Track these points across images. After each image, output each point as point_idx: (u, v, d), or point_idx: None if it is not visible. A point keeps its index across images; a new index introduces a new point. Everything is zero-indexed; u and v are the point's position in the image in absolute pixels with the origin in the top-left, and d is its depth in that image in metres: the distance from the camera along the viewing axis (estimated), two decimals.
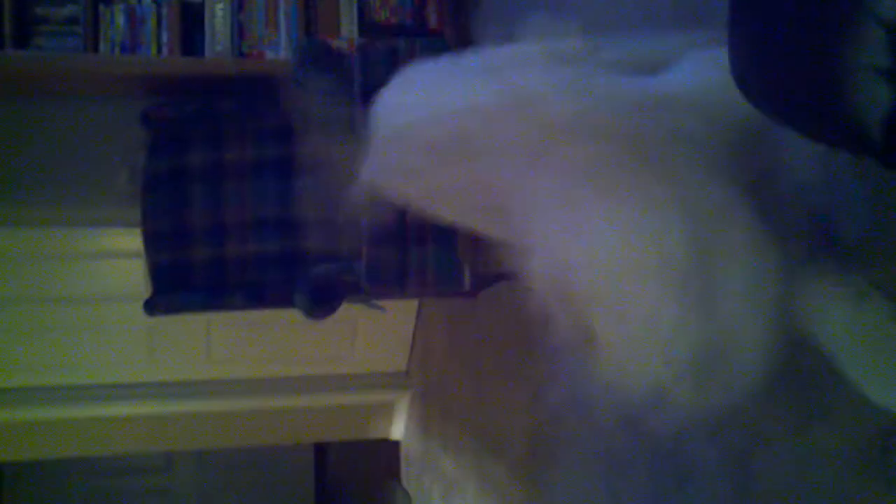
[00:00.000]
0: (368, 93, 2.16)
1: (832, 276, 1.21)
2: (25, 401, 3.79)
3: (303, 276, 2.65)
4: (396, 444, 4.20)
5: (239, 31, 3.07)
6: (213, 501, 6.80)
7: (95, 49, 3.02)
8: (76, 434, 4.04)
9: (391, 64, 2.52)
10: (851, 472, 1.29)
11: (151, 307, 2.81)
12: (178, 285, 2.83)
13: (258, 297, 2.78)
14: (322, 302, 2.64)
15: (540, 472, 2.57)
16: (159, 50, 3.04)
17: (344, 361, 3.72)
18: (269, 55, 3.08)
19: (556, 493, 2.46)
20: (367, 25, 3.12)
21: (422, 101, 1.53)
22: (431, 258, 2.50)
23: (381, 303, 2.91)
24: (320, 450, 5.53)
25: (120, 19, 3.02)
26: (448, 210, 1.68)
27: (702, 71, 1.28)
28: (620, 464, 2.07)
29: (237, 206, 2.80)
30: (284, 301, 2.74)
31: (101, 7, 3.01)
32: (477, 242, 2.70)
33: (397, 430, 4.10)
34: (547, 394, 2.50)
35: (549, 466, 2.49)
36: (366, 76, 2.58)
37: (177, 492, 6.97)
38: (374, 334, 3.72)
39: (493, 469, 2.91)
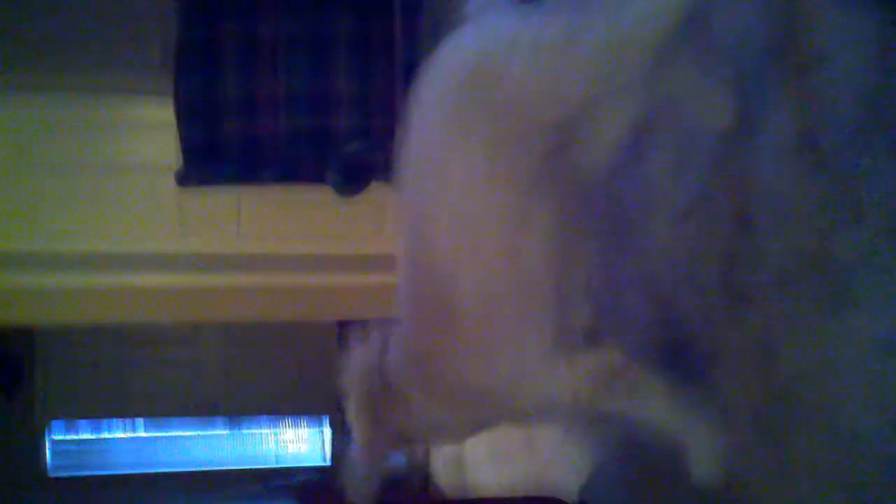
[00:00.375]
0: None
1: None
2: (55, 266, 3.85)
3: (335, 154, 2.65)
4: None
5: None
6: (238, 374, 6.98)
7: None
8: (105, 301, 4.11)
9: None
10: (881, 358, 1.30)
11: (183, 178, 2.83)
12: (209, 158, 2.84)
13: (289, 172, 2.78)
14: (353, 180, 2.64)
15: None
16: None
17: (372, 241, 3.73)
18: None
19: None
20: None
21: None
22: None
23: None
24: (344, 327, 5.61)
25: None
26: None
27: None
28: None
29: (270, 80, 2.77)
30: (315, 178, 2.74)
31: None
32: None
33: None
34: None
35: None
36: None
37: (203, 363, 7.15)
38: None
39: None
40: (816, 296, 1.45)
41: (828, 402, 1.42)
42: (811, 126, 1.47)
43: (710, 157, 1.79)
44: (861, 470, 1.34)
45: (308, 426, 7.74)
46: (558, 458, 2.59)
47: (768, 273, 1.58)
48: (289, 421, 7.52)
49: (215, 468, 7.42)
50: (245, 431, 7.55)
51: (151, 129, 3.40)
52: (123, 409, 7.09)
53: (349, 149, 2.61)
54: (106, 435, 7.25)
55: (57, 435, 7.11)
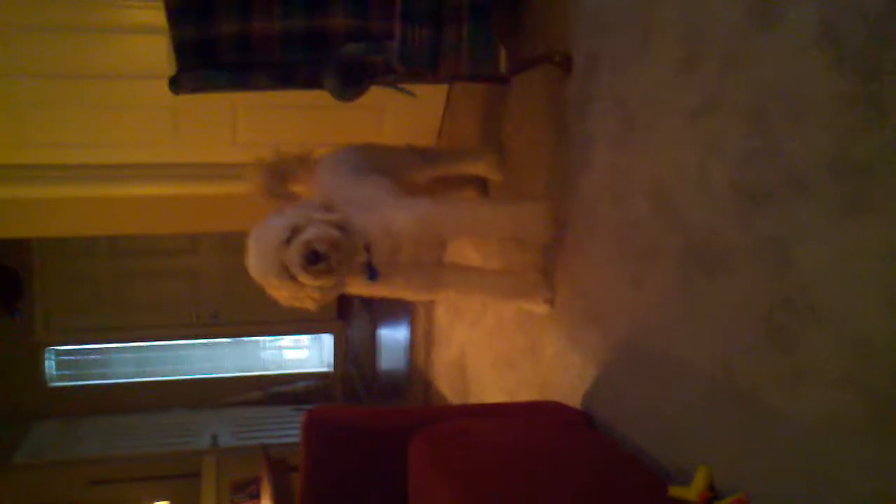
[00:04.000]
0: None
1: None
2: (51, 178, 3.81)
3: (332, 56, 2.57)
4: None
5: None
6: (236, 283, 7.01)
7: None
8: (102, 212, 4.09)
9: None
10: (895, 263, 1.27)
11: (176, 84, 2.75)
12: (203, 62, 2.75)
13: (285, 76, 2.71)
14: (351, 82, 2.57)
15: (565, 258, 2.58)
16: None
17: None
18: None
19: (579, 279, 2.48)
20: None
21: None
22: (466, 38, 2.40)
23: (410, 87, 2.83)
24: None
25: None
26: None
27: None
28: (649, 253, 2.07)
29: None
30: (312, 81, 2.67)
31: None
32: (515, 23, 2.60)
33: None
34: (579, 182, 2.48)
35: (575, 254, 2.50)
36: None
37: (201, 273, 7.19)
38: (401, 120, 3.67)
39: (517, 256, 2.94)
40: (831, 198, 1.41)
41: (840, 308, 1.39)
42: (832, 19, 1.41)
43: (725, 52, 1.73)
44: (873, 377, 1.33)
45: (309, 333, 7.82)
46: (562, 364, 2.60)
47: (782, 174, 1.54)
48: (289, 329, 7.59)
49: (216, 376, 7.52)
50: (246, 340, 7.62)
51: (144, 34, 3.30)
52: (123, 321, 7.14)
53: (348, 50, 2.53)
54: (106, 345, 7.31)
55: (57, 346, 7.17)
